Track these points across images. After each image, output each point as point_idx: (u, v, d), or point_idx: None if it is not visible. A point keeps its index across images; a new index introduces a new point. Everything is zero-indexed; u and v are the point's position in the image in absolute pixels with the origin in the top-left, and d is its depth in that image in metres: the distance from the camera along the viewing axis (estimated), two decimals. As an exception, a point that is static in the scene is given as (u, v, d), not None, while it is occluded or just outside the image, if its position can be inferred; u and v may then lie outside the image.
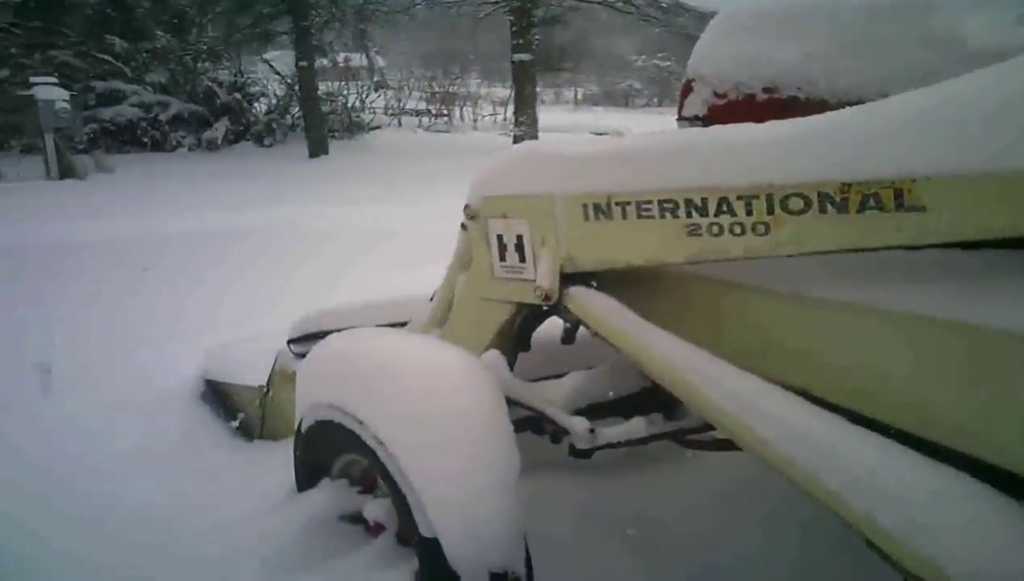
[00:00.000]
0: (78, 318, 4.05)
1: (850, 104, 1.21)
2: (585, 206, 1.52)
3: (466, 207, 1.80)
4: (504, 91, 23.25)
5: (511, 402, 1.64)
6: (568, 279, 1.64)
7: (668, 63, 36.32)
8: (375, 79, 22.11)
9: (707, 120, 1.69)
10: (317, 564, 1.76)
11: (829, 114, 1.20)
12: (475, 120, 22.46)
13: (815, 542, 1.88)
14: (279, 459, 2.15)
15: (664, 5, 15.10)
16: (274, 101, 16.11)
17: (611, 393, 1.88)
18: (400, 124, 19.09)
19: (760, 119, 1.29)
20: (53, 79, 10.82)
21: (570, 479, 2.13)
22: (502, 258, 1.75)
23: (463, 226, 1.89)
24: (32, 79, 10.72)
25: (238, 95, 15.22)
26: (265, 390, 2.65)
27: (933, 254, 1.18)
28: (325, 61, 18.05)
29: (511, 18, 14.48)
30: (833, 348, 1.31)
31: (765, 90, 1.60)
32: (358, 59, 22.56)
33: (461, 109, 22.59)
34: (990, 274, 1.16)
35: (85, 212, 7.30)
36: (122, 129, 13.77)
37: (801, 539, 1.91)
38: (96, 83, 13.72)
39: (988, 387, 1.09)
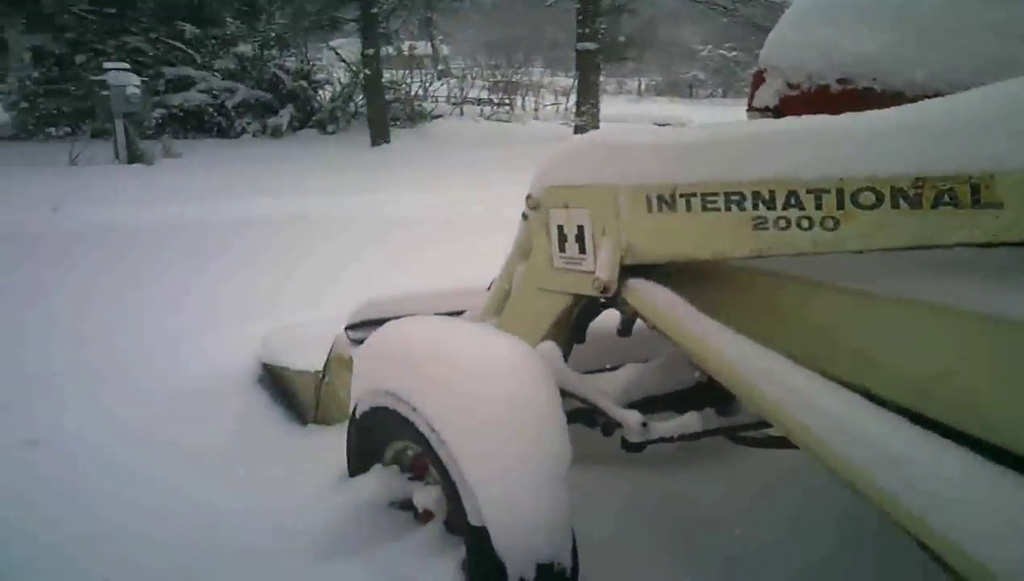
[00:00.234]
0: (137, 300, 4.16)
1: (927, 97, 1.18)
2: (649, 197, 1.50)
3: (528, 197, 1.80)
4: (566, 80, 23.13)
5: (565, 393, 1.64)
6: (627, 271, 1.62)
7: (734, 53, 35.82)
8: (439, 68, 22.20)
9: (778, 111, 1.67)
10: (366, 550, 1.78)
11: (904, 107, 1.17)
12: (536, 109, 22.38)
13: (863, 544, 1.84)
14: (332, 444, 2.17)
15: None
16: (338, 89, 16.27)
17: (665, 387, 1.85)
18: (462, 113, 19.12)
19: (834, 111, 1.26)
20: (125, 65, 11.09)
21: (619, 472, 2.11)
22: (562, 249, 1.74)
23: (524, 216, 1.89)
24: (105, 64, 11.01)
25: (304, 82, 15.41)
26: (321, 375, 2.67)
27: (1004, 253, 1.13)
28: (390, 49, 18.18)
29: (577, 6, 14.35)
30: (896, 347, 1.27)
31: (839, 81, 1.57)
32: (423, 47, 22.69)
33: (523, 98, 22.53)
34: None
35: (149, 197, 7.53)
36: (189, 115, 14.05)
37: (850, 541, 1.87)
38: (166, 69, 14.01)
39: None
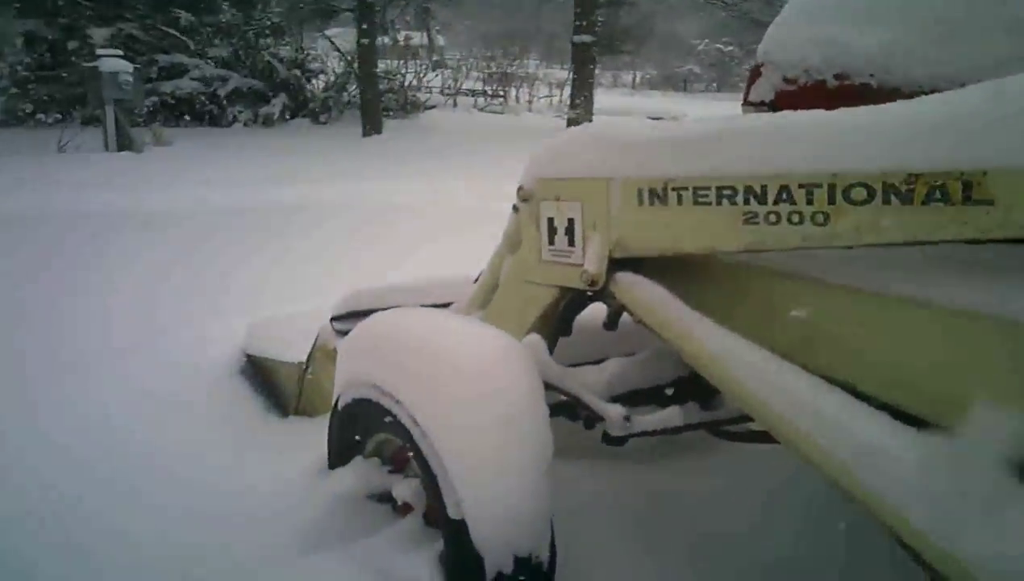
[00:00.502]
0: (121, 289, 4.11)
1: (924, 94, 1.17)
2: (640, 190, 1.49)
3: (519, 189, 1.79)
4: (562, 73, 23.07)
5: (548, 386, 1.63)
6: (615, 265, 1.61)
7: (731, 48, 35.83)
8: (434, 58, 22.11)
9: (774, 106, 1.67)
10: (344, 542, 1.77)
11: (896, 103, 1.17)
12: (530, 101, 22.34)
13: (848, 541, 1.83)
14: (313, 435, 2.15)
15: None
16: (332, 78, 16.18)
17: (649, 381, 1.84)
18: (455, 104, 19.07)
19: (830, 106, 1.26)
20: (118, 51, 10.98)
21: (601, 466, 2.10)
22: (551, 241, 1.73)
23: (514, 208, 1.88)
24: (98, 51, 10.89)
25: (297, 71, 15.33)
26: (305, 366, 2.65)
27: (991, 249, 1.13)
28: (386, 39, 18.10)
29: (576, -2, 14.31)
30: (882, 343, 1.27)
31: (836, 77, 1.57)
32: (418, 38, 22.60)
33: (517, 90, 22.47)
34: None
35: (135, 184, 7.46)
36: (181, 103, 13.95)
37: (833, 538, 1.85)
38: (159, 56, 13.89)
39: None
